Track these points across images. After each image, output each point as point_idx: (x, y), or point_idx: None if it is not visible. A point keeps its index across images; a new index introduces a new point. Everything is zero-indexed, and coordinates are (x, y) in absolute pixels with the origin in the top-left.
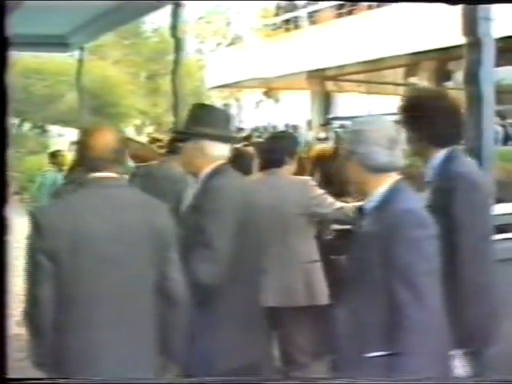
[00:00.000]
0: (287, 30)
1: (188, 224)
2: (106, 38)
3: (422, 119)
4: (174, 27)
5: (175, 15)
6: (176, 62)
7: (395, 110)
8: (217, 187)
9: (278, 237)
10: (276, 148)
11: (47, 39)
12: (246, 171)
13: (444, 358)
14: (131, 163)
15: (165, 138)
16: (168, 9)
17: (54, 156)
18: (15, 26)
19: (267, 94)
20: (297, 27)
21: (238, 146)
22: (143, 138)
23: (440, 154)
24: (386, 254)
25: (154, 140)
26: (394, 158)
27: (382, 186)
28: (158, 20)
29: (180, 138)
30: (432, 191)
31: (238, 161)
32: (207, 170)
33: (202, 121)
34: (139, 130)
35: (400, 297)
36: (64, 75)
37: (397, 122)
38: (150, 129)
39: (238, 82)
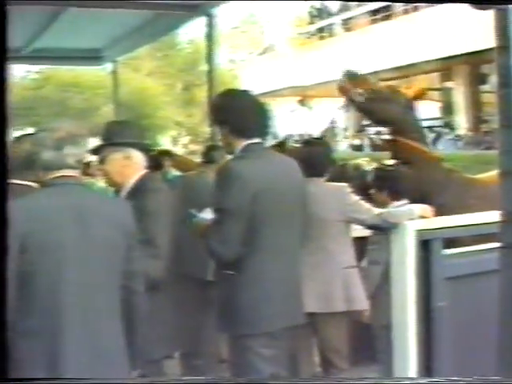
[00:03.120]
0: (321, 37)
1: None
2: (139, 51)
3: (225, 115)
4: (208, 38)
5: (209, 26)
6: (210, 72)
7: (430, 115)
8: (152, 191)
9: (315, 243)
10: (315, 156)
11: (81, 53)
12: None
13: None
14: (175, 172)
15: (200, 148)
16: (202, 20)
17: (88, 166)
18: (50, 40)
19: (301, 102)
20: (331, 35)
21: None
22: (179, 149)
23: (239, 147)
24: None
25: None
26: (61, 157)
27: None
28: (190, 31)
29: (103, 150)
30: None
31: None
32: (137, 177)
33: (124, 133)
34: (175, 141)
35: None
36: (100, 88)
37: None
38: (185, 139)
39: (273, 91)
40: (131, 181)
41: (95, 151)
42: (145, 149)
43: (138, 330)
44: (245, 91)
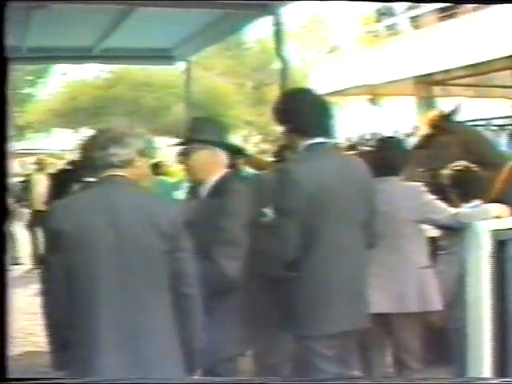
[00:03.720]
0: (389, 35)
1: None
2: (209, 50)
3: (287, 114)
4: (276, 37)
5: (277, 25)
6: (282, 72)
7: (503, 114)
8: (233, 191)
9: (389, 242)
10: (390, 155)
11: (152, 52)
12: None
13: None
14: (251, 171)
15: (273, 147)
16: (268, 19)
17: (158, 166)
18: (121, 39)
19: (372, 100)
20: (399, 33)
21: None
22: (250, 148)
23: (302, 147)
24: None
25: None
26: (108, 157)
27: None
28: (257, 30)
29: (189, 147)
30: None
31: None
32: (219, 176)
33: (212, 131)
34: (246, 140)
35: None
36: (172, 87)
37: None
38: (256, 139)
39: (344, 90)
40: (213, 179)
41: (182, 146)
42: (230, 149)
43: (193, 331)
44: (309, 90)
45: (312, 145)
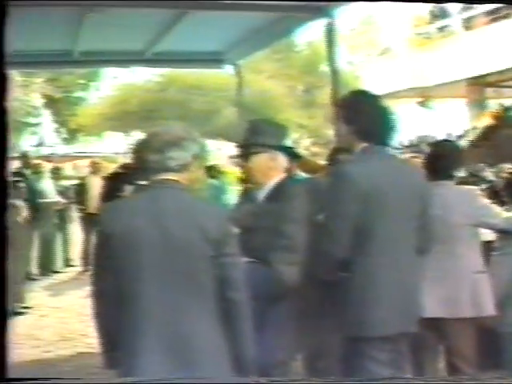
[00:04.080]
0: (441, 37)
1: (265, 228)
2: (259, 53)
3: (349, 115)
4: (328, 39)
5: (330, 27)
6: (333, 74)
7: None
8: (292, 196)
9: (444, 247)
10: (444, 159)
11: (203, 56)
12: None
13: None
14: (303, 175)
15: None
16: (320, 21)
17: (211, 169)
18: (172, 43)
19: (422, 103)
20: (450, 34)
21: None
22: (302, 151)
23: (359, 149)
24: None
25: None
26: (164, 160)
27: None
28: (307, 32)
29: (249, 150)
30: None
31: None
32: (277, 180)
33: (274, 134)
34: (297, 143)
35: None
36: (222, 90)
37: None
38: (307, 142)
39: (393, 93)
40: (271, 183)
41: (241, 149)
42: (289, 152)
43: (242, 337)
44: (376, 95)
45: (368, 147)
